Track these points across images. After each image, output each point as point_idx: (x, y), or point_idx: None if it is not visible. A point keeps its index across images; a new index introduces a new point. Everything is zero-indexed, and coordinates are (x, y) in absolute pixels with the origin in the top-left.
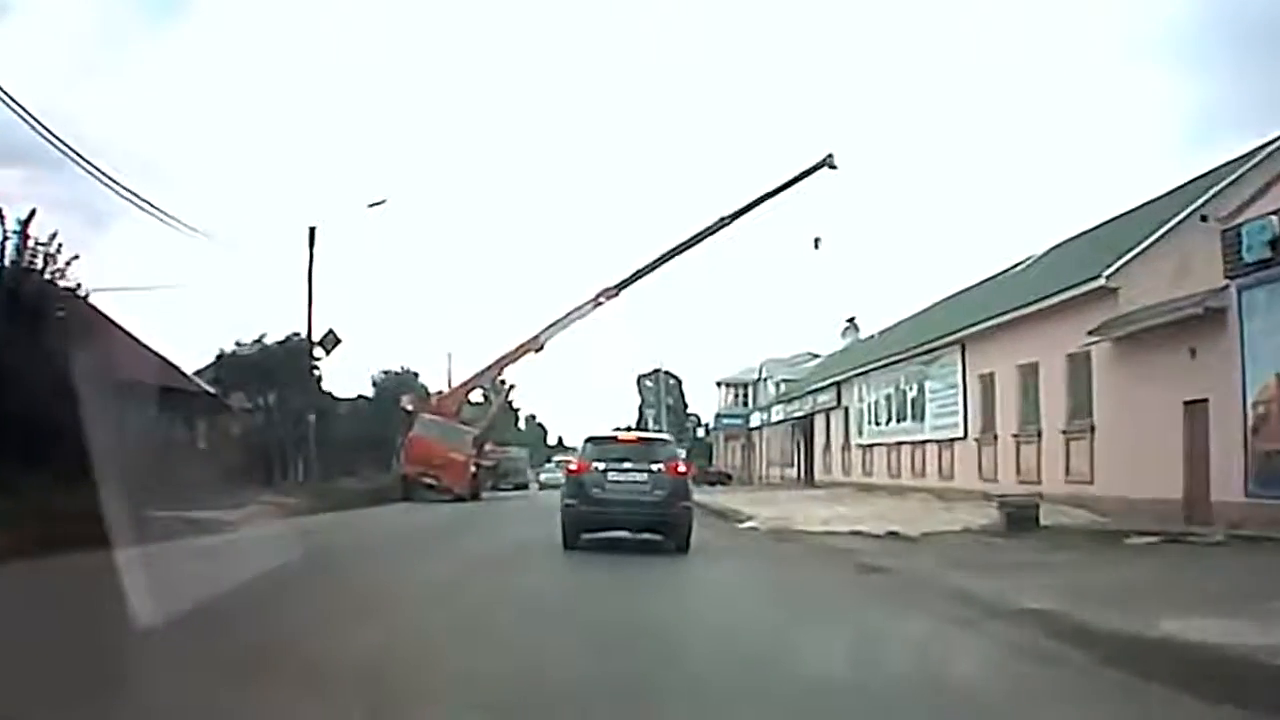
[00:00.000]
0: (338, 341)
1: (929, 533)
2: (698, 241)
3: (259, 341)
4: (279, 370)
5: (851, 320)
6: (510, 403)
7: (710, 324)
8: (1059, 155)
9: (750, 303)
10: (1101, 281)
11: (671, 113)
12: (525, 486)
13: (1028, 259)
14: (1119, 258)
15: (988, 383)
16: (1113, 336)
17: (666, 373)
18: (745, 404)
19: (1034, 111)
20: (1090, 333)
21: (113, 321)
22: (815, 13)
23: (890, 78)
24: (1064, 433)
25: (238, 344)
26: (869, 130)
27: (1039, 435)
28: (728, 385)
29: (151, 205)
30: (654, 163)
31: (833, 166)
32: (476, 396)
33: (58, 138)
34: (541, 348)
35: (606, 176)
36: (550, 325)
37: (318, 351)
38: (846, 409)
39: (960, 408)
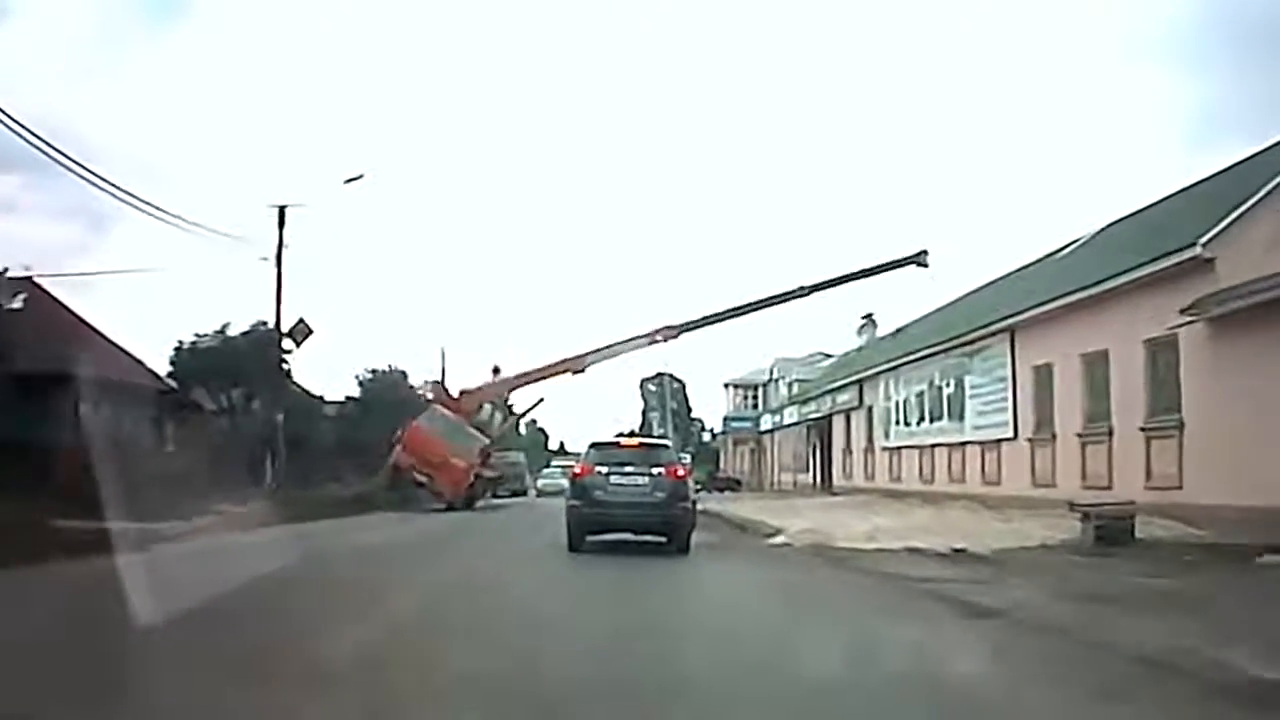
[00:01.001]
0: (309, 332)
1: (1002, 550)
2: (772, 304)
3: (221, 332)
4: (245, 364)
5: (869, 316)
6: (524, 417)
7: (715, 325)
8: (1058, 156)
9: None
10: (1196, 251)
11: (675, 104)
12: (523, 493)
13: (1077, 240)
14: (1215, 224)
15: (1043, 375)
16: (1210, 315)
17: (670, 376)
18: (755, 406)
19: (1032, 113)
20: (1183, 311)
21: (70, 310)
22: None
23: (891, 77)
24: (1143, 430)
25: (197, 335)
26: (872, 132)
27: (1110, 434)
28: (736, 387)
29: (137, 198)
30: (658, 152)
31: (923, 265)
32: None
33: (38, 137)
34: (583, 370)
35: (609, 159)
36: (599, 350)
37: (288, 344)
38: (870, 409)
39: (1009, 404)
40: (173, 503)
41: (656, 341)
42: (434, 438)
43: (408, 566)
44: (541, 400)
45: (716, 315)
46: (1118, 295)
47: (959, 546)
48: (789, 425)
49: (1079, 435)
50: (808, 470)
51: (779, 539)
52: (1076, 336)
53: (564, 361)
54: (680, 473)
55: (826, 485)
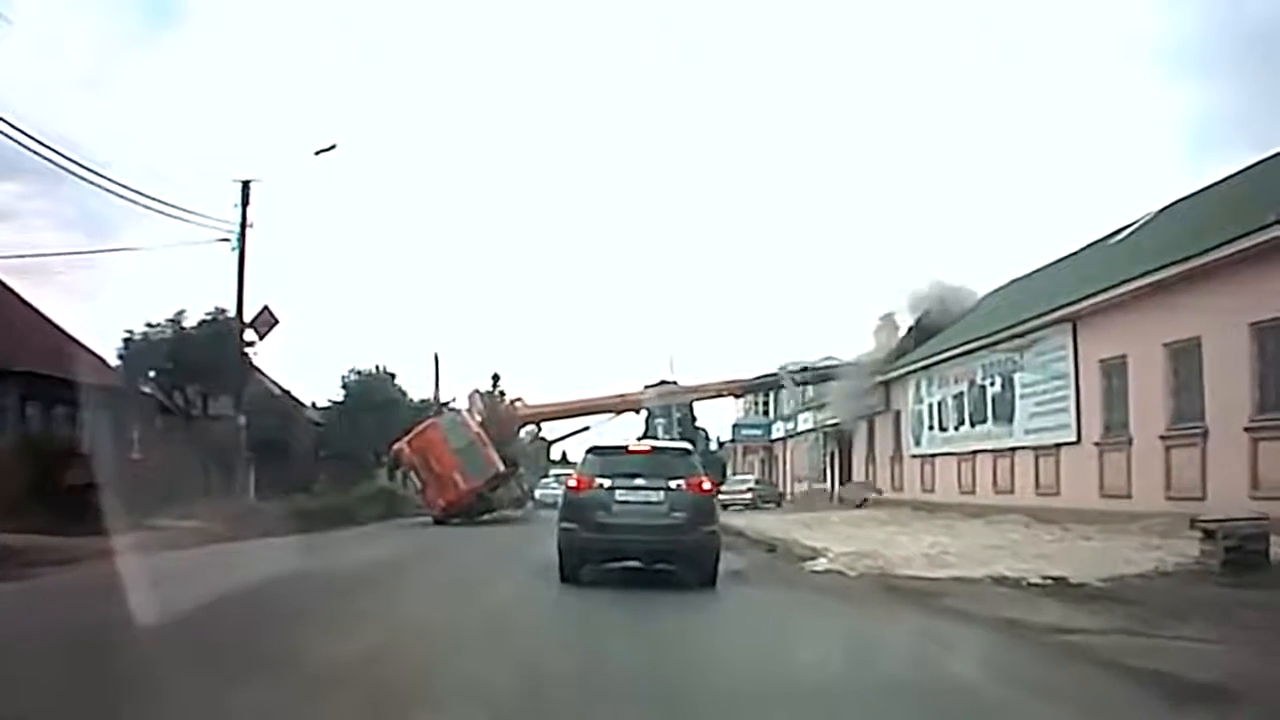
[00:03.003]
0: (274, 322)
1: (1113, 579)
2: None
3: (176, 322)
4: (202, 359)
5: (888, 316)
6: (559, 442)
7: (722, 328)
8: (1062, 160)
9: (766, 303)
10: None
11: (685, 99)
12: (521, 504)
13: (1135, 223)
14: None
15: (1114, 370)
16: None
17: (674, 382)
18: (766, 413)
19: (1038, 120)
20: None
21: (21, 298)
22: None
23: (897, 86)
24: (1249, 430)
25: (149, 325)
26: (881, 134)
27: (1204, 436)
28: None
29: (85, 166)
30: (664, 146)
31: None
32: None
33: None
34: (639, 410)
35: (614, 154)
36: (664, 394)
37: (251, 337)
38: (897, 413)
39: (1071, 404)
40: (110, 516)
41: (722, 395)
42: (446, 446)
43: (321, 620)
44: (586, 429)
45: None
46: (1212, 273)
47: (1055, 574)
48: (803, 432)
49: (1163, 438)
50: (824, 480)
51: (822, 563)
52: (1158, 323)
53: (625, 398)
54: (705, 486)
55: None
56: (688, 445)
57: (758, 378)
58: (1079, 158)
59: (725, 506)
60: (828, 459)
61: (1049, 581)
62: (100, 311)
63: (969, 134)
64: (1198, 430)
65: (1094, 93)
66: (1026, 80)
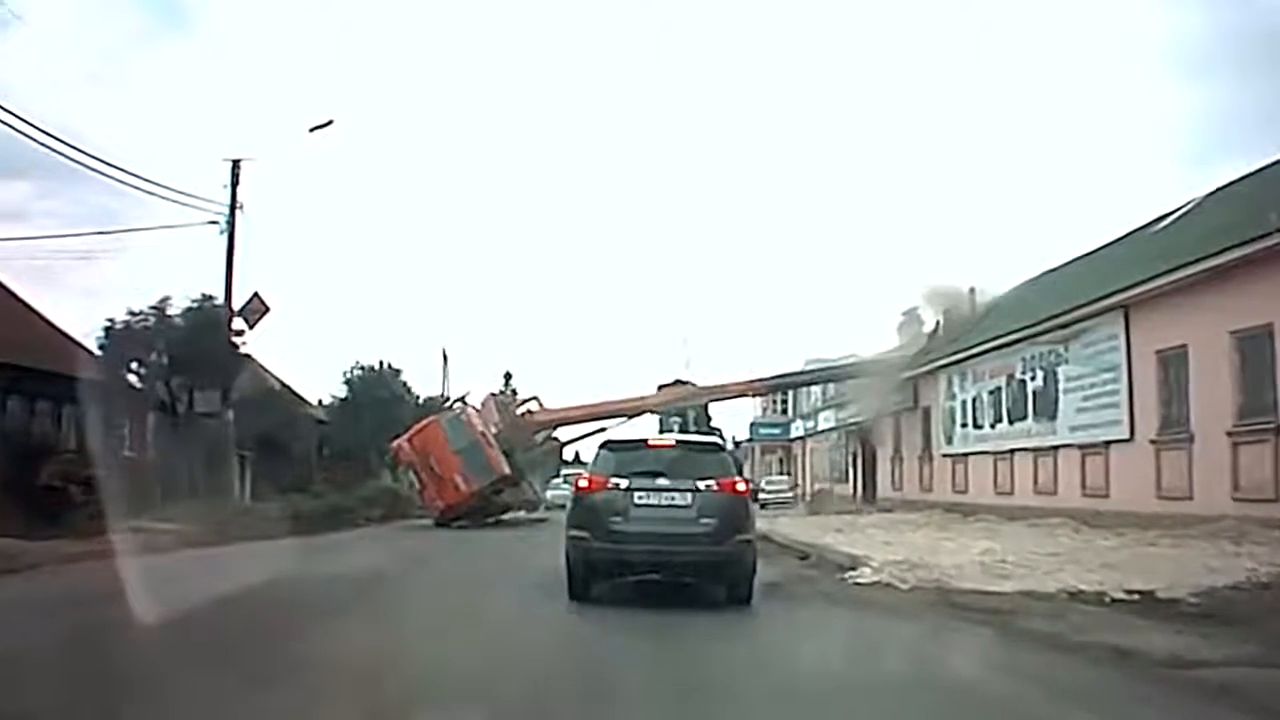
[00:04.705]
0: (265, 310)
1: (1206, 592)
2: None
3: (159, 309)
4: (188, 348)
5: (911, 311)
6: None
7: (735, 326)
8: (1079, 156)
9: (784, 302)
10: None
11: (697, 94)
12: (535, 507)
13: (1187, 205)
14: None
15: (1173, 361)
16: None
17: (689, 382)
18: (784, 412)
19: (1052, 118)
20: None
21: (12, 293)
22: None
23: (906, 97)
24: None
25: (131, 313)
26: (898, 132)
27: (1275, 432)
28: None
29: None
30: (677, 140)
31: None
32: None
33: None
34: (659, 412)
35: (626, 146)
36: (683, 396)
37: (241, 326)
38: (926, 410)
39: (1123, 398)
40: (86, 517)
41: (745, 395)
42: (447, 446)
43: (281, 639)
44: (603, 429)
45: (805, 378)
46: None
47: (1137, 587)
48: (824, 431)
49: (1229, 434)
50: (846, 481)
51: (867, 574)
52: (1223, 310)
53: (641, 400)
54: (739, 487)
55: (869, 498)
56: (717, 440)
57: (777, 376)
58: (1093, 155)
59: (764, 506)
60: (850, 459)
61: (1134, 596)
62: (92, 304)
63: (987, 132)
64: (1269, 426)
65: (1102, 92)
66: (1035, 79)
